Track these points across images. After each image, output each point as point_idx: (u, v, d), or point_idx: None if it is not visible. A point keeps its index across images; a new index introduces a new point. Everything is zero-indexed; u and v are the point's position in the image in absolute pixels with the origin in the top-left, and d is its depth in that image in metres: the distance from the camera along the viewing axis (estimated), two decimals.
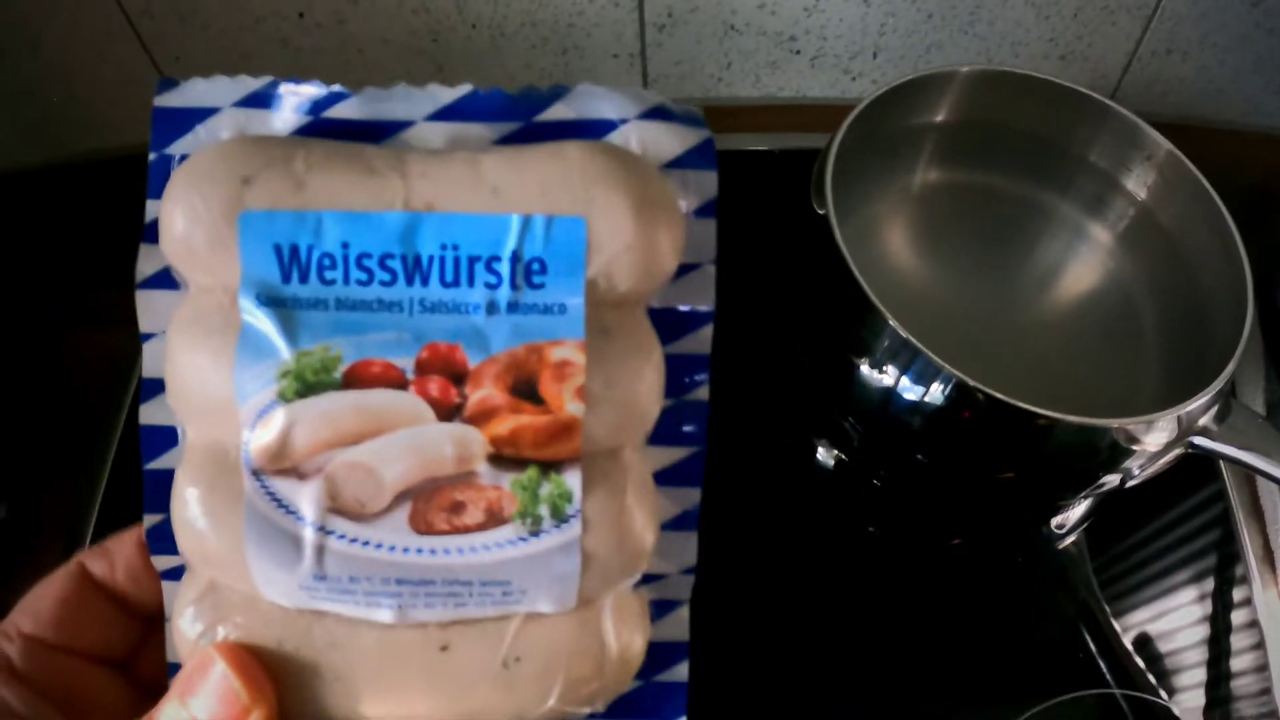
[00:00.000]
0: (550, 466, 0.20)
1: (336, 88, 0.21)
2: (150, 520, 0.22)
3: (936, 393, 0.34)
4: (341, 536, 0.20)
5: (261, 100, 0.21)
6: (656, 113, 0.21)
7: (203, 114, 0.21)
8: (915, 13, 0.53)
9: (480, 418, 0.20)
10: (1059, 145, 0.45)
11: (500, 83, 0.63)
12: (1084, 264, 0.45)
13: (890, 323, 0.34)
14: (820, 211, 0.37)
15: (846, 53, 0.55)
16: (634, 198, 0.20)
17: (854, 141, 0.39)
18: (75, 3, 0.49)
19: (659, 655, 0.23)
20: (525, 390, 0.20)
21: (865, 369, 0.37)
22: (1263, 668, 0.40)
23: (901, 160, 0.46)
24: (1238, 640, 0.41)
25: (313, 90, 0.21)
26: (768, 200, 0.48)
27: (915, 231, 0.46)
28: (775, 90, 0.58)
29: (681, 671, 0.23)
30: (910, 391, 0.35)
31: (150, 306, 0.21)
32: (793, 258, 0.44)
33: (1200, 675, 0.41)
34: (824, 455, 0.46)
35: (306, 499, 0.20)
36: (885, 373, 0.36)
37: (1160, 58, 0.55)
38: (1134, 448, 0.35)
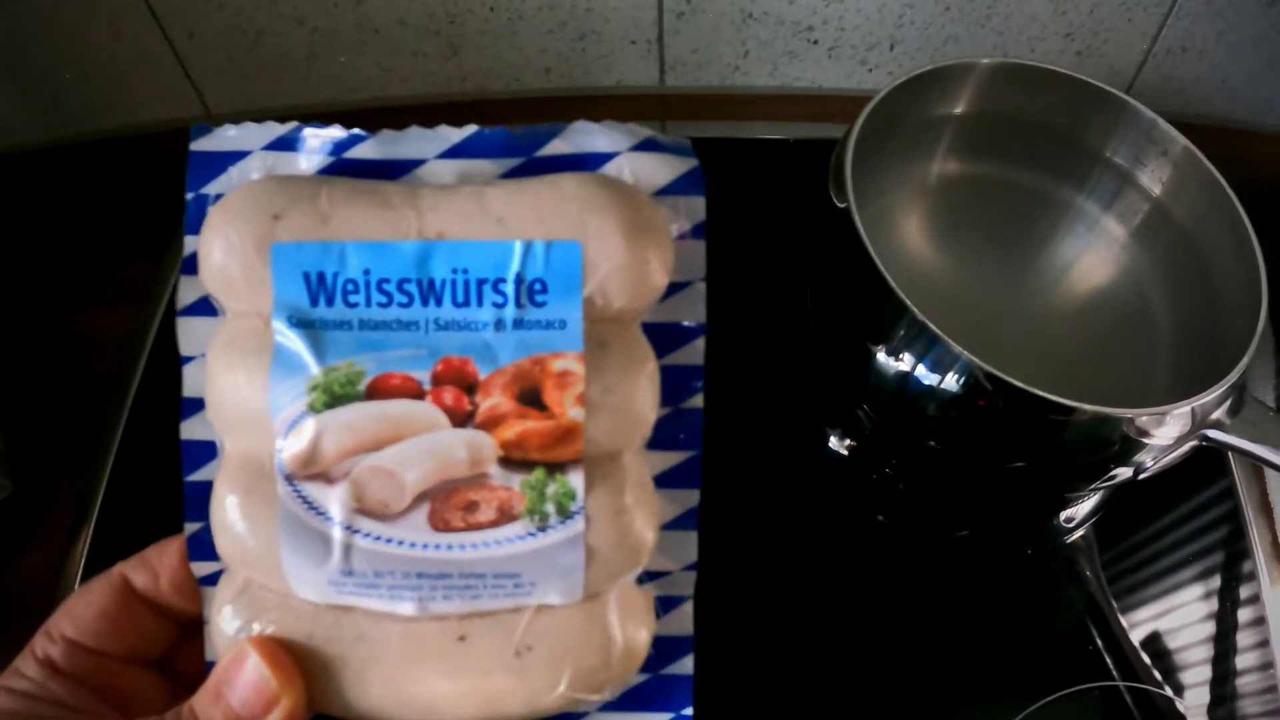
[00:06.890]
0: (555, 468, 0.22)
1: (356, 131, 0.23)
2: (190, 529, 0.24)
3: (952, 380, 0.35)
4: (367, 535, 0.22)
5: (287, 144, 0.23)
6: (647, 145, 0.23)
7: (234, 157, 0.23)
8: (933, 5, 0.53)
9: (490, 424, 0.22)
10: (1076, 139, 0.45)
11: (517, 66, 0.63)
12: (1098, 257, 0.45)
13: (909, 308, 0.34)
14: (841, 205, 0.37)
15: (864, 44, 0.55)
16: (624, 222, 0.22)
17: (872, 130, 0.39)
18: None
19: (665, 649, 0.24)
20: (531, 398, 0.22)
21: (882, 356, 0.37)
22: (1269, 665, 0.40)
23: (919, 151, 0.46)
24: (1244, 637, 0.42)
25: (334, 133, 0.23)
26: (783, 189, 0.48)
27: (931, 222, 0.46)
28: (792, 80, 0.58)
29: (687, 664, 0.24)
30: (926, 378, 0.35)
31: (190, 332, 0.24)
32: (807, 246, 0.44)
33: (1206, 671, 0.41)
34: (836, 443, 0.46)
35: (335, 501, 0.22)
36: (901, 359, 0.36)
37: (1175, 55, 0.55)
38: (1146, 440, 0.35)
